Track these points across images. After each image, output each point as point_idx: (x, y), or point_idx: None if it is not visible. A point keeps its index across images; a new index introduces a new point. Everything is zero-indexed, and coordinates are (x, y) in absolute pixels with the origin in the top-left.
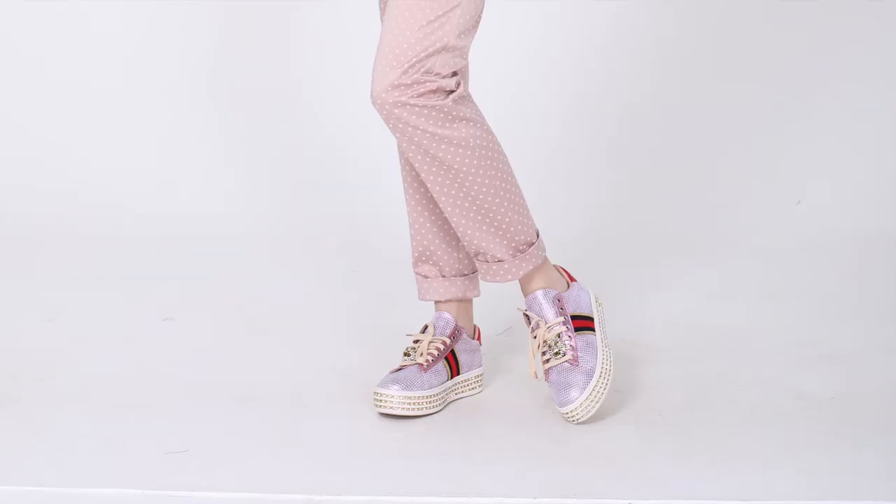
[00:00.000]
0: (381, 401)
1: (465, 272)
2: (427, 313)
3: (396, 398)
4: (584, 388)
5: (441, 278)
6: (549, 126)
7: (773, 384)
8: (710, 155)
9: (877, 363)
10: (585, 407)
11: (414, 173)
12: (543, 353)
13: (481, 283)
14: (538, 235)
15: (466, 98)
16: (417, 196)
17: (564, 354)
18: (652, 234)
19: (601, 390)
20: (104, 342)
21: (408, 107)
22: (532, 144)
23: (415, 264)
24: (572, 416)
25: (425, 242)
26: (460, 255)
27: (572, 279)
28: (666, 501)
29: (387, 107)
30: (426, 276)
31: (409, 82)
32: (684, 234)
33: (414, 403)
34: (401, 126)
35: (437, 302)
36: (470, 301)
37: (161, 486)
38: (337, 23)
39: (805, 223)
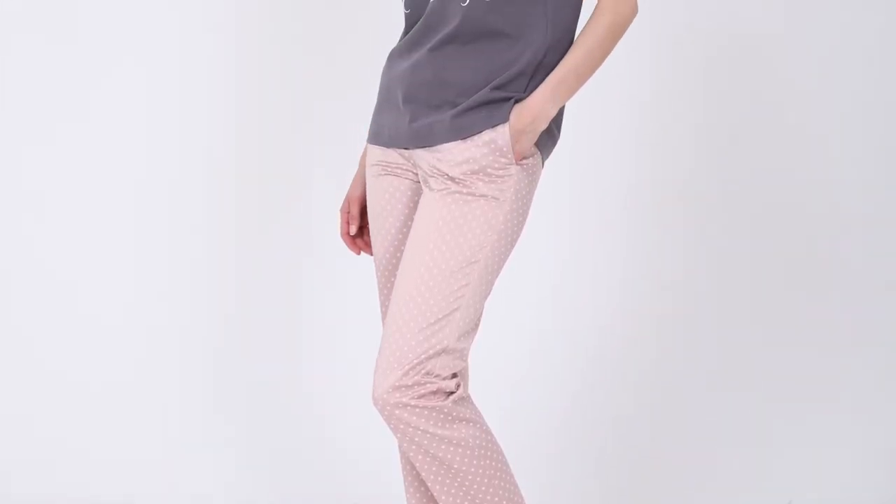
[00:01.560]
0: None
1: None
2: None
3: None
4: None
5: None
6: (545, 426)
7: None
8: (702, 453)
9: None
10: None
11: (415, 472)
12: None
13: None
14: None
15: (466, 399)
16: (418, 495)
17: None
18: None
19: None
20: None
21: (408, 408)
22: (529, 444)
23: None
24: None
25: None
26: None
27: None
28: None
29: (388, 407)
30: None
31: (409, 384)
32: None
33: None
34: (402, 426)
35: None
36: None
37: None
38: (340, 323)
39: None
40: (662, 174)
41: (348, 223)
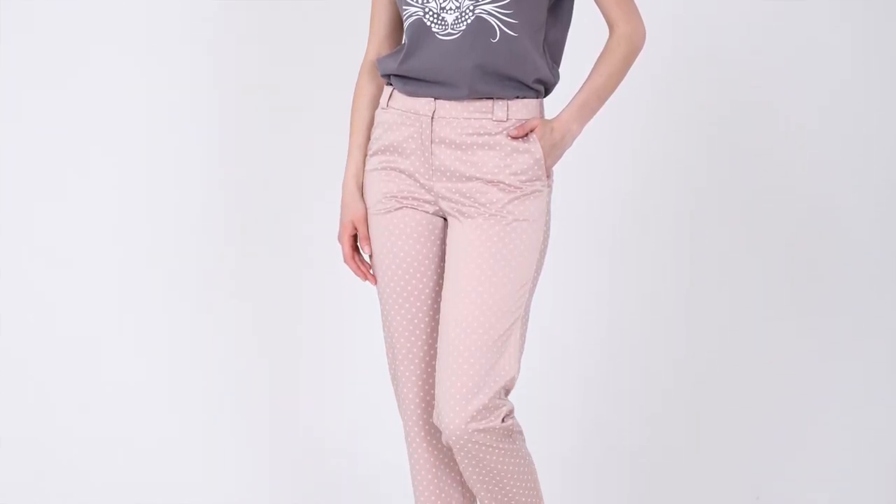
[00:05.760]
0: None
1: None
2: None
3: None
4: None
5: None
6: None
7: None
8: (679, 452)
9: None
10: None
11: (433, 497)
12: None
13: None
14: None
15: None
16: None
17: None
18: None
19: None
20: None
21: (485, 433)
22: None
23: None
24: None
25: None
26: None
27: None
28: None
29: (466, 436)
30: None
31: (490, 407)
32: None
33: None
34: (474, 450)
35: None
36: None
37: None
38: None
39: None
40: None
41: (356, 247)
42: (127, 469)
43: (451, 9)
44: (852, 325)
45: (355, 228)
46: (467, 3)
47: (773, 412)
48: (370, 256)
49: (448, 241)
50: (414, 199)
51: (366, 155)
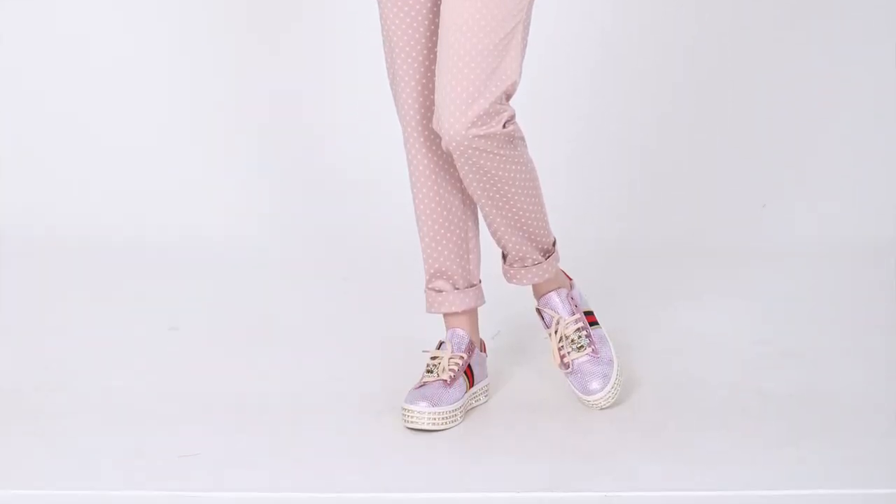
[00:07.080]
0: (410, 417)
1: (474, 283)
2: (422, 325)
3: (426, 414)
4: (609, 378)
5: (455, 291)
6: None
7: (737, 383)
8: (683, 163)
9: (832, 362)
10: (610, 394)
11: (433, 205)
12: (560, 348)
13: None
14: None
15: (515, 115)
16: (436, 227)
17: (585, 348)
18: (624, 239)
19: (621, 377)
20: (113, 352)
21: (486, 138)
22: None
23: (429, 282)
24: (599, 404)
25: (439, 262)
26: (470, 267)
27: (570, 278)
28: (639, 493)
29: (466, 142)
30: (440, 291)
31: (491, 112)
32: (657, 238)
33: (442, 418)
34: (475, 157)
35: (447, 318)
36: (476, 312)
37: (175, 488)
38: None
39: (770, 226)
40: None
41: None
42: (123, 161)
43: None
44: (862, 29)
45: None
46: None
47: (778, 123)
48: None
49: None
50: None
51: None
